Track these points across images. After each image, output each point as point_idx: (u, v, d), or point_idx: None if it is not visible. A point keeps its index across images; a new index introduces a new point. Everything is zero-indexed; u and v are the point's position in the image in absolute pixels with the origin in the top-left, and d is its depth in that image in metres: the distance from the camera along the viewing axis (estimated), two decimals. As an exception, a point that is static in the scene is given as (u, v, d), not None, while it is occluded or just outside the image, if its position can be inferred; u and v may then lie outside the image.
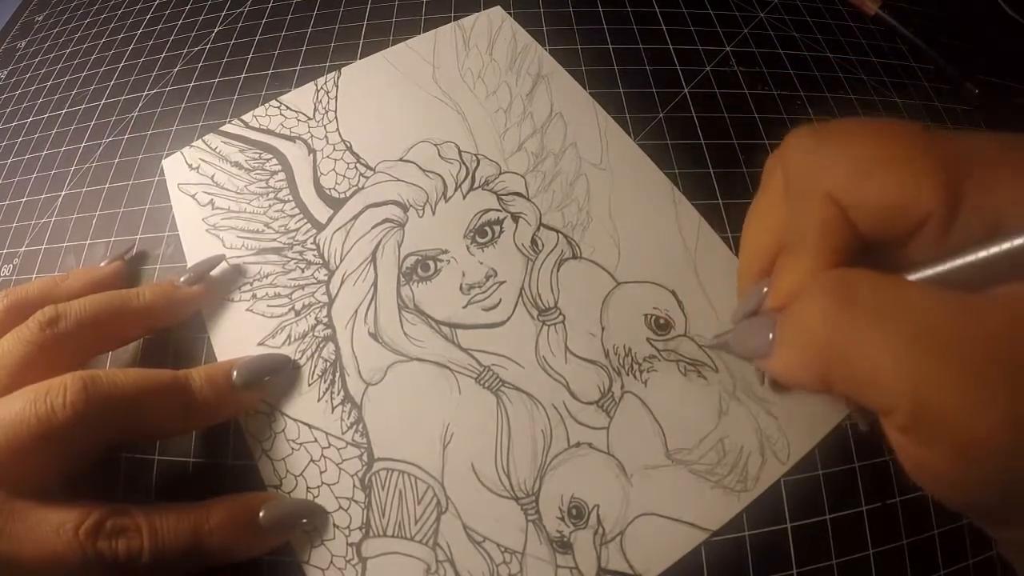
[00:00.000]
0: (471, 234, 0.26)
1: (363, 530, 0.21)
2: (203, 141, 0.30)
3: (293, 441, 0.23)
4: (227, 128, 0.30)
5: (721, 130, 0.29)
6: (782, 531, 0.21)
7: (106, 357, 0.25)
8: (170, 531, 0.18)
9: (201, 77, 0.33)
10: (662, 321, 0.24)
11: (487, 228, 0.26)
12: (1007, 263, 0.13)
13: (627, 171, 0.27)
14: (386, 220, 0.27)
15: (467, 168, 0.28)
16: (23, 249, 0.29)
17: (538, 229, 0.26)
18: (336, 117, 0.30)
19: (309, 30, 0.34)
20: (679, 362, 0.23)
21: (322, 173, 0.28)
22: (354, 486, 0.22)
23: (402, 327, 0.24)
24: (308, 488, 0.22)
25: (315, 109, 0.30)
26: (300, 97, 0.31)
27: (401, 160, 0.28)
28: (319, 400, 0.23)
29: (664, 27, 0.33)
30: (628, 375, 0.23)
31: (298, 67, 0.32)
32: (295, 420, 0.23)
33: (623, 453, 0.22)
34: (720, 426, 0.22)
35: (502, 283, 0.25)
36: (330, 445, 0.22)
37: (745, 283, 0.20)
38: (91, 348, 0.23)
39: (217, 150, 0.29)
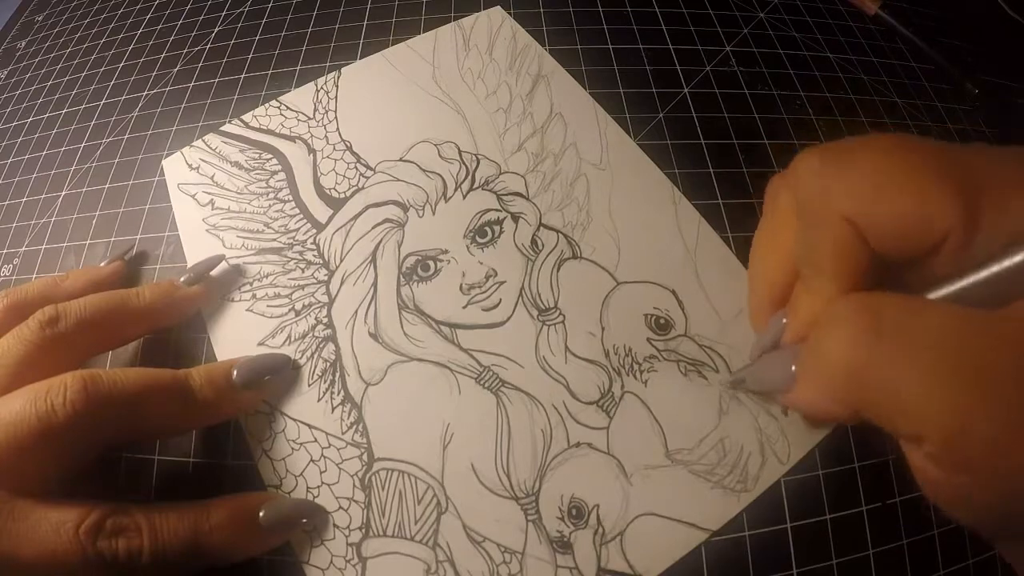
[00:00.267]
0: (471, 234, 0.26)
1: (363, 530, 0.21)
2: (203, 141, 0.30)
3: (293, 441, 0.23)
4: (227, 128, 0.30)
5: (721, 130, 0.29)
6: (782, 531, 0.21)
7: (106, 357, 0.25)
8: (170, 531, 0.18)
9: (201, 77, 0.33)
10: (662, 321, 0.24)
11: (487, 228, 0.26)
12: None
13: (627, 171, 0.27)
14: (386, 220, 0.27)
15: (467, 168, 0.28)
16: (23, 249, 0.29)
17: (538, 229, 0.26)
18: (336, 117, 0.30)
19: (309, 30, 0.34)
20: (679, 362, 0.23)
21: (322, 173, 0.28)
22: (354, 486, 0.22)
23: (402, 327, 0.24)
24: (308, 488, 0.22)
25: (315, 109, 0.30)
26: (300, 97, 0.31)
27: (401, 160, 0.28)
28: (319, 400, 0.23)
29: (664, 27, 0.33)
30: (628, 375, 0.23)
31: (298, 67, 0.32)
32: (295, 420, 0.23)
33: (623, 453, 0.22)
34: (720, 426, 0.22)
35: (502, 283, 0.25)
36: (330, 445, 0.22)
37: (759, 315, 0.20)
38: (91, 348, 0.23)
39: (217, 150, 0.29)
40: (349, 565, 0.21)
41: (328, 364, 0.24)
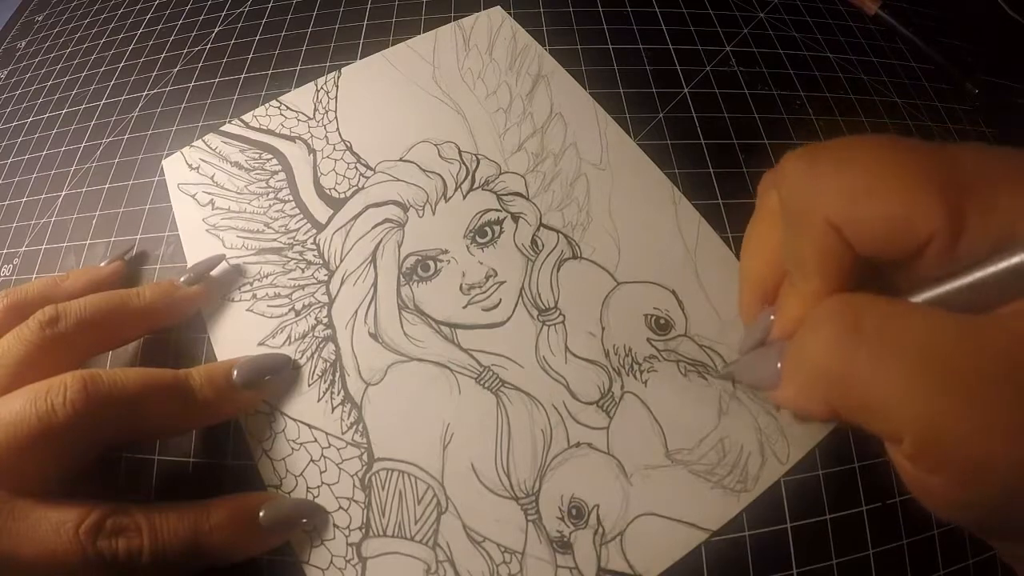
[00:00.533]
0: (471, 234, 0.26)
1: (363, 530, 0.21)
2: (203, 141, 0.30)
3: (293, 441, 0.23)
4: (227, 128, 0.30)
5: (721, 130, 0.29)
6: (782, 531, 0.21)
7: (106, 357, 0.25)
8: (170, 531, 0.18)
9: (201, 77, 0.33)
10: (662, 321, 0.24)
11: (487, 228, 0.26)
12: (1011, 280, 0.13)
13: (627, 171, 0.27)
14: (386, 220, 0.27)
15: (467, 168, 0.28)
16: (23, 249, 0.29)
17: (538, 229, 0.26)
18: (336, 117, 0.30)
19: (309, 30, 0.34)
20: (679, 362, 0.23)
21: (322, 173, 0.28)
22: (354, 486, 0.22)
23: (402, 327, 0.24)
24: (308, 488, 0.22)
25: (315, 109, 0.30)
26: (300, 97, 0.31)
27: (401, 160, 0.28)
28: (319, 400, 0.23)
29: (664, 27, 0.33)
30: (628, 375, 0.23)
31: (298, 67, 0.32)
32: (295, 420, 0.23)
33: (623, 453, 0.22)
34: (720, 426, 0.22)
35: (502, 283, 0.25)
36: (330, 445, 0.22)
37: (747, 310, 0.20)
38: (91, 348, 0.23)
39: (217, 150, 0.29)
40: (349, 565, 0.21)
41: (328, 364, 0.24)
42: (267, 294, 0.25)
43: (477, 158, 0.28)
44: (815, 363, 0.15)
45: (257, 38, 0.34)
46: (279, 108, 0.30)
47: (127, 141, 0.31)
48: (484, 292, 0.25)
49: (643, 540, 0.21)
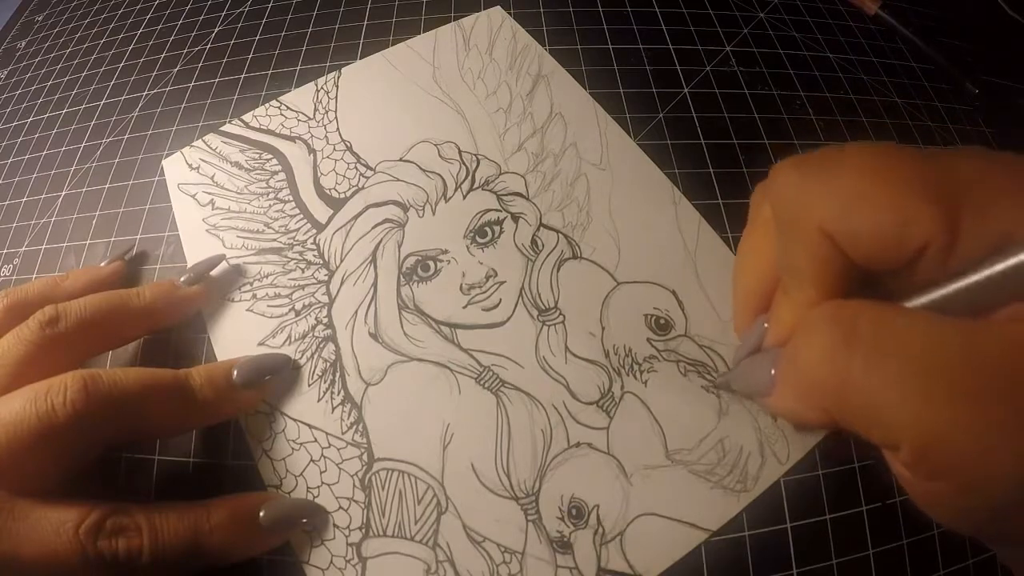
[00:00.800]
0: (471, 234, 0.26)
1: (363, 530, 0.21)
2: (203, 141, 0.30)
3: (293, 441, 0.23)
4: (227, 128, 0.30)
5: (721, 130, 0.29)
6: (782, 531, 0.21)
7: (106, 357, 0.25)
8: (170, 530, 0.18)
9: (201, 77, 0.33)
10: (662, 321, 0.24)
11: (487, 228, 0.26)
12: (1007, 283, 0.13)
13: (627, 171, 0.27)
14: (386, 220, 0.27)
15: (467, 168, 0.28)
16: (23, 249, 0.29)
17: (538, 229, 0.26)
18: (336, 117, 0.30)
19: (309, 30, 0.34)
20: (679, 362, 0.23)
21: (322, 173, 0.28)
22: (354, 486, 0.22)
23: (402, 327, 0.24)
24: (308, 488, 0.22)
25: (315, 109, 0.30)
26: (300, 97, 0.31)
27: (401, 160, 0.28)
28: (319, 400, 0.23)
29: (664, 27, 0.33)
30: (628, 375, 0.23)
31: (298, 67, 0.32)
32: (295, 420, 0.23)
33: (623, 453, 0.22)
34: (720, 426, 0.22)
35: (502, 283, 0.25)
36: (330, 445, 0.22)
37: (741, 320, 0.20)
38: (91, 348, 0.23)
39: (217, 150, 0.29)
40: (349, 565, 0.21)
41: (328, 364, 0.24)
42: (267, 294, 0.25)
43: (477, 158, 0.28)
44: (809, 369, 0.15)
45: (257, 38, 0.34)
46: (279, 108, 0.30)
47: (127, 141, 0.31)
48: (484, 292, 0.25)
49: (643, 540, 0.21)
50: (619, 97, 0.30)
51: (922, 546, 0.22)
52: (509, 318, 0.24)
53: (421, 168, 0.28)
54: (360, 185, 0.28)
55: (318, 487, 0.22)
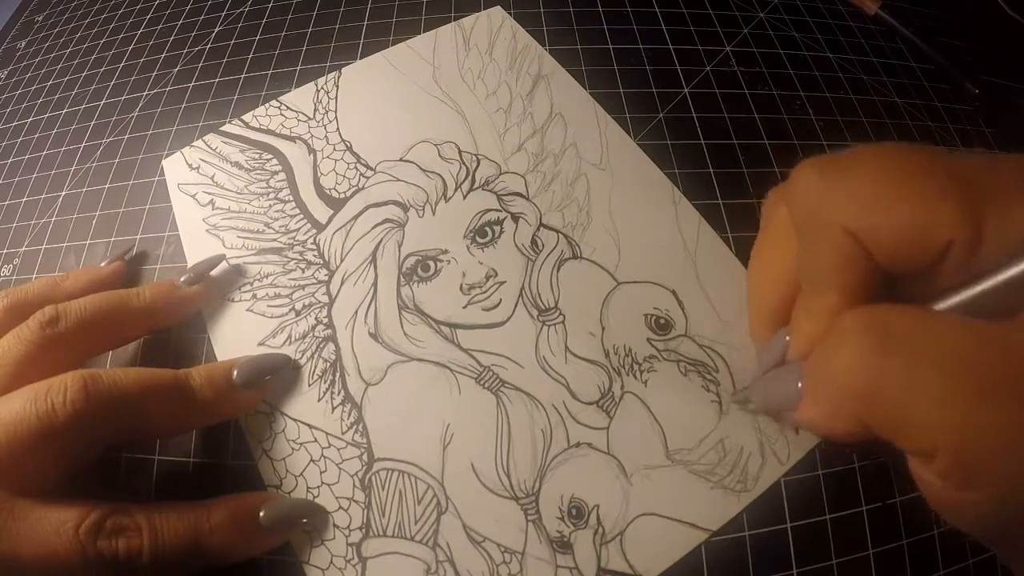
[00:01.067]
0: (471, 234, 0.26)
1: (363, 530, 0.21)
2: (203, 141, 0.30)
3: (293, 441, 0.23)
4: (227, 128, 0.30)
5: (721, 130, 0.29)
6: (782, 531, 0.21)
7: (106, 357, 0.25)
8: (170, 530, 0.18)
9: (201, 77, 0.33)
10: (662, 321, 0.24)
11: (487, 228, 0.26)
12: None
13: (627, 171, 0.27)
14: (386, 220, 0.27)
15: (467, 168, 0.28)
16: (23, 249, 0.29)
17: (538, 229, 0.26)
18: (336, 117, 0.30)
19: (309, 30, 0.34)
20: (679, 362, 0.23)
21: (322, 173, 0.28)
22: (354, 486, 0.22)
23: (402, 327, 0.24)
24: (308, 488, 0.22)
25: (315, 109, 0.30)
26: (300, 97, 0.31)
27: (401, 160, 0.28)
28: (319, 400, 0.23)
29: (664, 27, 0.33)
30: (628, 375, 0.23)
31: (298, 67, 0.32)
32: (295, 420, 0.23)
33: (623, 453, 0.22)
34: (720, 426, 0.22)
35: (502, 283, 0.25)
36: (330, 445, 0.22)
37: (759, 330, 0.20)
38: (91, 348, 0.23)
39: (217, 150, 0.29)
40: (349, 565, 0.21)
41: (328, 364, 0.24)
42: (267, 294, 0.25)
43: (477, 158, 0.28)
44: (841, 377, 0.14)
45: (257, 38, 0.34)
46: (279, 108, 0.30)
47: (127, 141, 0.31)
48: (484, 292, 0.25)
49: (643, 540, 0.21)
50: (619, 97, 0.30)
51: (922, 546, 0.22)
52: (509, 318, 0.24)
53: (421, 168, 0.28)
54: (360, 185, 0.28)
55: (318, 487, 0.22)
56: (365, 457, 0.22)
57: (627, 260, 0.25)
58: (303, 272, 0.26)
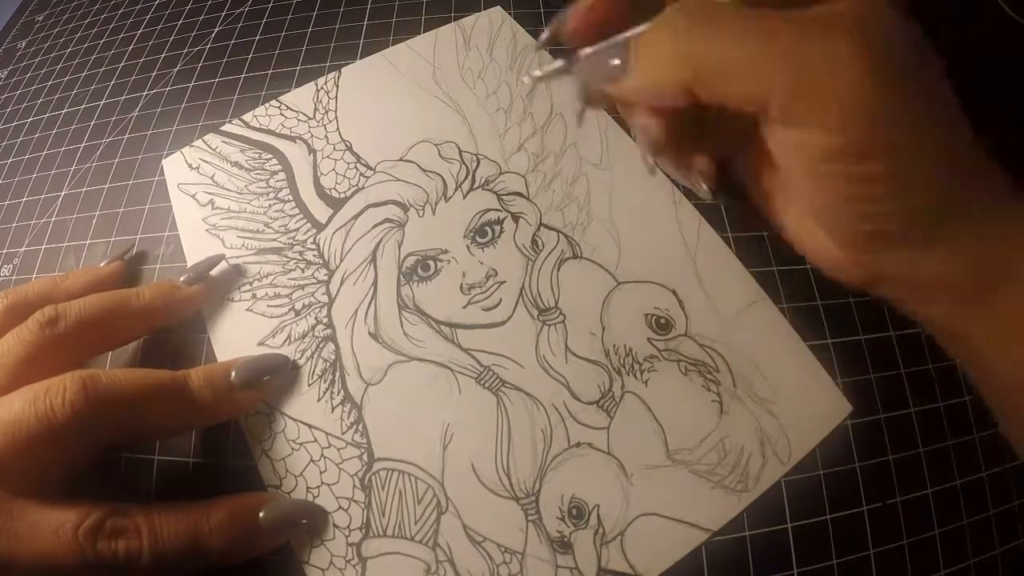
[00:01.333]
0: (471, 234, 0.26)
1: (363, 530, 0.21)
2: (203, 141, 0.30)
3: (293, 441, 0.23)
4: (227, 128, 0.30)
5: (721, 130, 0.29)
6: (782, 531, 0.21)
7: (106, 357, 0.25)
8: (170, 532, 0.18)
9: (201, 77, 0.33)
10: (663, 321, 0.24)
11: (487, 228, 0.26)
12: None
13: (627, 171, 0.27)
14: (386, 220, 0.27)
15: (467, 168, 0.28)
16: (23, 249, 0.29)
17: (538, 229, 0.26)
18: (336, 117, 0.30)
19: (309, 30, 0.34)
20: (680, 362, 0.23)
21: (322, 173, 0.28)
22: (354, 486, 0.22)
23: (402, 327, 0.24)
24: (308, 488, 0.22)
25: (315, 109, 0.30)
26: (300, 97, 0.31)
27: (401, 160, 0.28)
28: (319, 400, 0.23)
29: (664, 27, 0.33)
30: (629, 375, 0.23)
31: (298, 67, 0.32)
32: (295, 420, 0.23)
33: (623, 453, 0.22)
34: (721, 426, 0.22)
35: (502, 283, 0.25)
36: (330, 445, 0.22)
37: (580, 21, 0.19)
38: (91, 348, 0.23)
39: (217, 150, 0.29)
40: (349, 565, 0.21)
41: (328, 364, 0.24)
42: (267, 294, 0.25)
43: (477, 158, 0.28)
44: (672, 44, 0.16)
45: (257, 38, 0.34)
46: (279, 108, 0.30)
47: (127, 141, 0.31)
48: (484, 292, 0.25)
49: (643, 540, 0.21)
50: (619, 97, 0.30)
51: (922, 546, 0.22)
52: (509, 318, 0.24)
53: (421, 168, 0.28)
54: (360, 185, 0.28)
55: (318, 487, 0.22)
56: (365, 457, 0.22)
57: (627, 260, 0.25)
58: (303, 272, 0.26)
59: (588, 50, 0.18)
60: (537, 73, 0.20)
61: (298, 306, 0.25)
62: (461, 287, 0.25)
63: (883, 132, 0.14)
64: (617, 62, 0.17)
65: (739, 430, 0.22)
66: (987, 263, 0.15)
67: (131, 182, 0.30)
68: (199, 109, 0.31)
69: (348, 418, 0.23)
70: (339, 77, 0.31)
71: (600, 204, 0.27)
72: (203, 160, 0.29)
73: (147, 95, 0.33)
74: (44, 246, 0.29)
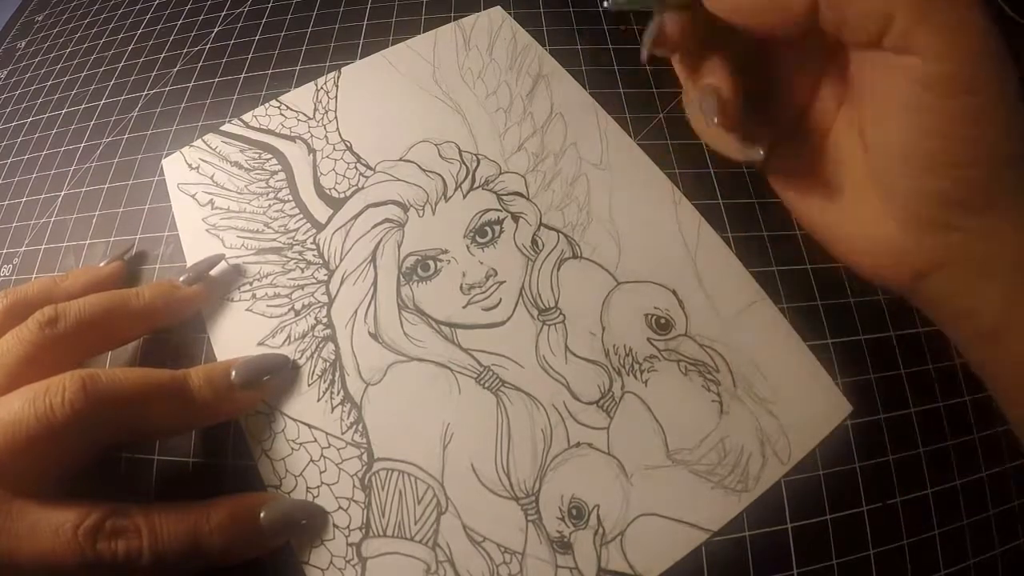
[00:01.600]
0: (471, 234, 0.26)
1: (363, 530, 0.21)
2: (203, 141, 0.30)
3: (293, 441, 0.23)
4: (227, 128, 0.30)
5: (721, 130, 0.29)
6: (783, 531, 0.21)
7: (106, 357, 0.25)
8: (170, 532, 0.18)
9: (201, 77, 0.33)
10: (663, 321, 0.24)
11: (487, 228, 0.26)
12: None
13: (627, 171, 0.27)
14: (386, 220, 0.27)
15: (467, 168, 0.28)
16: (23, 249, 0.29)
17: (538, 229, 0.26)
18: (336, 117, 0.30)
19: (309, 30, 0.34)
20: (680, 362, 0.23)
21: (322, 173, 0.28)
22: (354, 486, 0.22)
23: (402, 327, 0.24)
24: (308, 488, 0.22)
25: (315, 109, 0.30)
26: (300, 97, 0.31)
27: (401, 160, 0.28)
28: (319, 400, 0.23)
29: (664, 27, 0.33)
30: (629, 375, 0.23)
31: (298, 67, 0.32)
32: (295, 420, 0.23)
33: (623, 453, 0.22)
34: (721, 426, 0.22)
35: (502, 283, 0.25)
36: (330, 445, 0.22)
37: None
38: (90, 348, 0.23)
39: (217, 150, 0.29)
40: (349, 565, 0.21)
41: (328, 364, 0.24)
42: (267, 294, 0.25)
43: (477, 158, 0.28)
44: None
45: (257, 38, 0.34)
46: (279, 108, 0.30)
47: (127, 141, 0.31)
48: (484, 292, 0.25)
49: (643, 540, 0.21)
50: (619, 97, 0.30)
51: (922, 546, 0.22)
52: (509, 318, 0.24)
53: (421, 168, 0.28)
54: (360, 185, 0.28)
55: (318, 487, 0.22)
56: (365, 457, 0.22)
57: (627, 260, 0.25)
58: (302, 272, 0.26)
59: None
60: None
61: (298, 306, 0.25)
62: (461, 287, 0.25)
63: (986, 69, 0.15)
64: None
65: (739, 430, 0.22)
66: None
67: (131, 182, 0.30)
68: (199, 109, 0.31)
69: (348, 418, 0.23)
70: (339, 77, 0.31)
71: (600, 204, 0.27)
72: (203, 160, 0.29)
73: (147, 95, 0.33)
74: (44, 246, 0.29)
